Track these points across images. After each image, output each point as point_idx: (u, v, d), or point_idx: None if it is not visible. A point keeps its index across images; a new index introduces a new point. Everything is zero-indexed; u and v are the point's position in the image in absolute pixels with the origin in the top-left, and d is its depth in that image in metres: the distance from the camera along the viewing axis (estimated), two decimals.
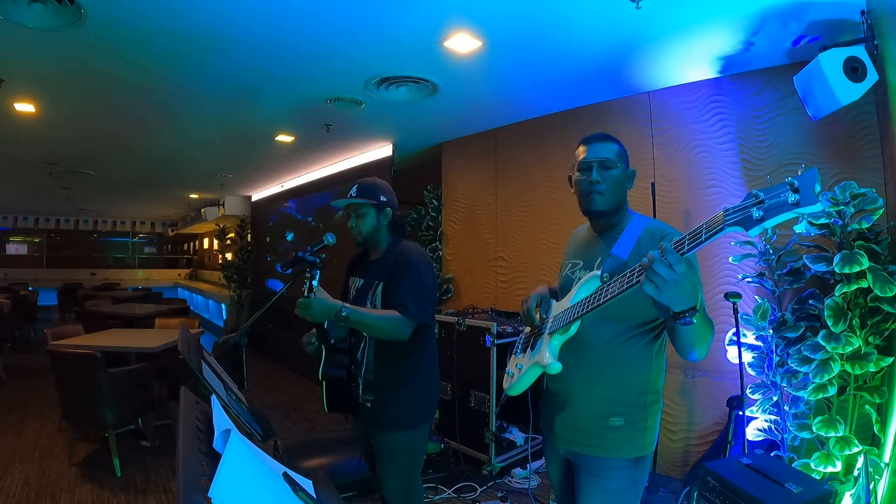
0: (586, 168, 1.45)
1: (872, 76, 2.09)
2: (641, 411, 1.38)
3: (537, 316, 1.46)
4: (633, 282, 1.09)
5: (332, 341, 1.81)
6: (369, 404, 1.84)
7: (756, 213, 0.88)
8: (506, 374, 1.55)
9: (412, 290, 1.77)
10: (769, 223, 0.87)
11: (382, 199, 1.91)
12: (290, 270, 1.68)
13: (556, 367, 1.31)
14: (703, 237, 0.95)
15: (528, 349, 1.48)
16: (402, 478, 1.87)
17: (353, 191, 1.91)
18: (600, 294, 1.21)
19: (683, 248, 0.99)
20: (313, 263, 1.61)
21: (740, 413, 2.57)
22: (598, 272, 1.34)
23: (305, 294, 1.59)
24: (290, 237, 7.10)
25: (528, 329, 1.59)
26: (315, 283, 1.60)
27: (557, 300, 1.49)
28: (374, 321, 1.73)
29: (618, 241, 1.40)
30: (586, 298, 1.27)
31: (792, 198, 0.84)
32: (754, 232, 0.89)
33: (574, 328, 1.34)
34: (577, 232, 1.67)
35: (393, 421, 1.83)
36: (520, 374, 1.45)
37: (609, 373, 1.38)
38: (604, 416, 1.38)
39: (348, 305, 1.66)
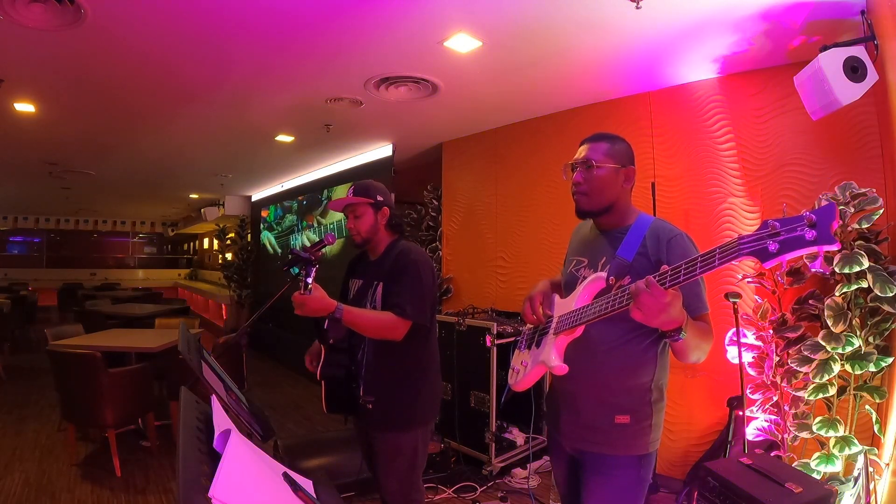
0: (571, 170, 1.48)
1: (872, 76, 2.08)
2: (646, 409, 1.39)
3: (542, 314, 1.46)
4: (625, 304, 1.15)
5: (332, 341, 1.81)
6: (370, 405, 1.83)
7: (772, 247, 0.88)
8: (511, 370, 1.56)
9: (409, 290, 1.76)
10: (784, 257, 0.88)
11: (379, 198, 1.91)
12: (294, 269, 1.69)
13: (562, 369, 1.33)
14: (717, 262, 0.97)
15: (533, 346, 1.48)
16: (403, 479, 1.85)
17: (349, 192, 1.92)
18: (606, 304, 1.23)
19: (695, 271, 1.01)
20: (308, 261, 1.62)
21: (740, 413, 2.57)
22: (604, 274, 1.35)
23: (301, 291, 1.61)
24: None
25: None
26: (309, 280, 1.61)
27: (561, 295, 1.50)
28: (367, 322, 1.73)
29: (623, 242, 1.40)
30: (591, 305, 1.29)
31: (809, 234, 0.84)
32: (769, 264, 0.90)
33: (579, 331, 1.35)
34: (582, 226, 1.66)
35: (393, 421, 1.82)
36: (525, 372, 1.46)
37: (614, 371, 1.39)
38: (609, 414, 1.38)
39: (342, 306, 1.66)
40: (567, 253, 1.67)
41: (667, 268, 1.07)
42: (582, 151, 1.47)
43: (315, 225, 6.38)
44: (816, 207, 0.87)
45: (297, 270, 1.66)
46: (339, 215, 5.77)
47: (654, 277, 1.07)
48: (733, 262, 0.97)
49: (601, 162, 1.43)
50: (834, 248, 0.84)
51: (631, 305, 1.11)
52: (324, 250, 1.76)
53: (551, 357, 1.34)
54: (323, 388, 1.89)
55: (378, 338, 1.77)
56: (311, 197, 6.46)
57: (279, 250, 7.47)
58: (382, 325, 1.73)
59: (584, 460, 1.44)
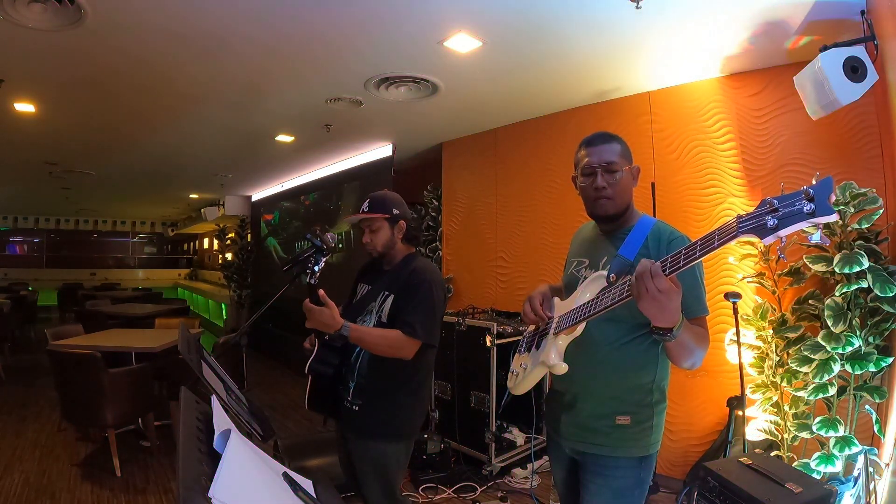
0: (590, 173, 1.43)
1: (872, 76, 2.09)
2: (647, 410, 1.38)
3: (542, 315, 1.46)
4: (626, 296, 1.15)
5: (327, 337, 1.76)
6: (357, 408, 1.80)
7: (770, 222, 0.87)
8: (510, 374, 1.55)
9: (422, 311, 1.74)
10: (784, 231, 0.87)
11: (395, 212, 1.88)
12: (293, 271, 1.67)
13: (562, 368, 1.32)
14: (716, 243, 0.97)
15: (533, 348, 1.48)
16: (384, 491, 1.81)
17: (365, 206, 1.89)
18: (607, 297, 1.22)
19: (695, 254, 1.01)
20: (318, 248, 1.60)
21: (740, 413, 2.57)
22: (605, 272, 1.35)
23: (307, 280, 1.57)
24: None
25: (531, 327, 1.59)
26: (317, 268, 1.58)
27: (561, 298, 1.50)
28: (375, 341, 1.72)
29: (625, 241, 1.39)
30: (592, 300, 1.27)
31: (807, 207, 0.84)
32: (769, 240, 0.89)
33: (580, 328, 1.34)
34: (582, 229, 1.66)
35: (379, 430, 1.78)
36: (525, 374, 1.45)
37: (615, 372, 1.38)
38: (610, 415, 1.38)
39: (349, 325, 1.65)
40: (568, 256, 1.66)
41: (668, 255, 1.07)
42: (598, 154, 1.43)
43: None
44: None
45: (295, 273, 1.64)
46: (346, 226, 5.74)
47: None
48: (733, 243, 0.95)
49: (620, 165, 1.42)
50: (832, 218, 0.83)
51: (630, 286, 1.10)
52: (330, 242, 1.76)
53: (551, 357, 1.33)
54: (309, 382, 1.84)
55: (386, 356, 1.74)
56: (318, 204, 6.45)
57: (284, 256, 7.43)
58: (391, 344, 1.71)
59: (584, 461, 1.43)
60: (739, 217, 0.93)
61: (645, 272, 1.06)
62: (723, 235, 0.95)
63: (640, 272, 1.07)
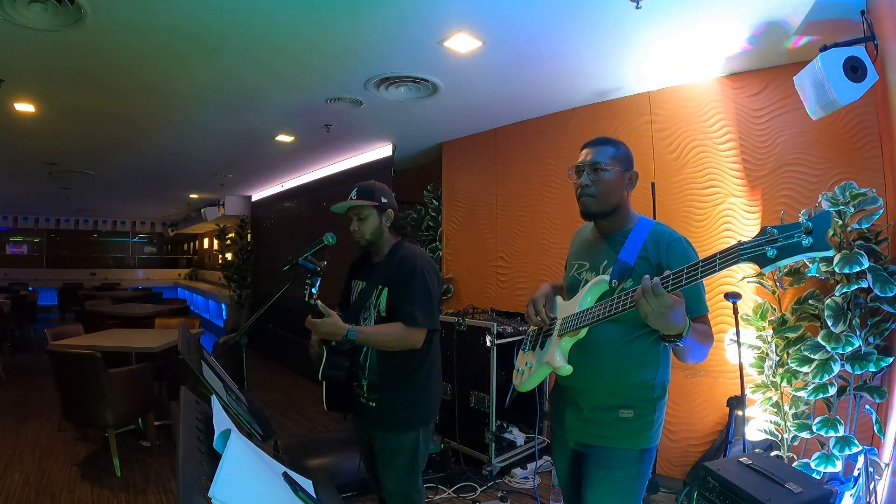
0: (577, 172, 1.51)
1: (872, 76, 2.08)
2: (650, 405, 1.42)
3: (546, 318, 1.50)
4: (628, 306, 1.22)
5: (334, 343, 1.80)
6: (373, 403, 1.84)
7: (770, 252, 0.92)
8: (515, 371, 1.60)
9: (420, 299, 1.77)
10: (782, 263, 0.92)
11: (383, 200, 1.90)
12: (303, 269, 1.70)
13: (567, 370, 1.36)
14: (718, 267, 1.03)
15: (538, 347, 1.52)
16: (403, 479, 1.86)
17: (353, 194, 1.91)
18: (609, 305, 1.28)
19: (697, 275, 1.06)
20: (313, 271, 1.64)
21: (740, 413, 2.57)
22: (607, 277, 1.40)
23: (306, 299, 1.62)
24: None
25: (533, 326, 1.62)
26: (315, 290, 1.64)
27: (563, 298, 1.54)
28: (382, 339, 1.75)
29: (624, 245, 1.43)
30: (596, 307, 1.33)
31: (806, 241, 0.88)
32: (768, 270, 0.95)
33: (583, 332, 1.39)
34: (582, 230, 1.69)
35: (397, 422, 1.82)
36: (530, 372, 1.50)
37: (618, 370, 1.42)
38: (614, 409, 1.42)
39: (354, 328, 1.68)
40: (568, 257, 1.70)
41: (669, 273, 1.11)
42: (588, 154, 1.49)
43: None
44: (815, 208, 0.91)
45: (294, 276, 1.66)
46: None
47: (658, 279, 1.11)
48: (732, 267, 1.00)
49: (608, 165, 1.46)
50: (829, 254, 0.90)
51: (636, 304, 1.16)
52: (328, 240, 1.78)
53: (556, 358, 1.38)
54: (324, 387, 1.88)
55: (396, 350, 1.78)
56: (317, 205, 6.42)
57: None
58: (397, 338, 1.75)
59: (588, 453, 1.47)
60: (741, 244, 0.98)
61: (647, 292, 1.11)
62: (724, 260, 1.01)
63: (643, 293, 1.13)
